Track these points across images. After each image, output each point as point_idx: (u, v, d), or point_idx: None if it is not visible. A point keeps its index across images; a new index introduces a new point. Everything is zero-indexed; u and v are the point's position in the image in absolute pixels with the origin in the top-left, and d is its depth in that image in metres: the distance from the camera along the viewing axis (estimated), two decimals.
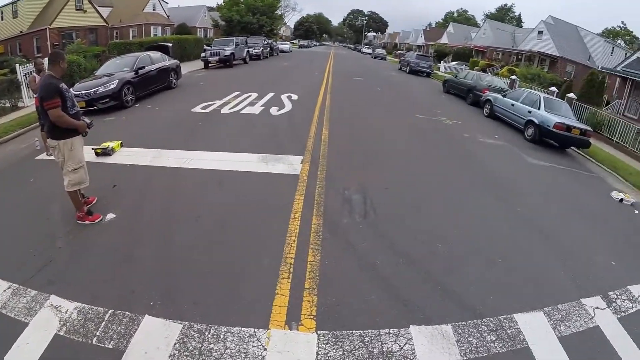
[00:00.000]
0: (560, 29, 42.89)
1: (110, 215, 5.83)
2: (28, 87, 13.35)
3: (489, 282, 5.08)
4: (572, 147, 14.06)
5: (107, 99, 12.32)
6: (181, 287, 4.35)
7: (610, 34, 75.89)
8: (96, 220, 5.65)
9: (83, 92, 11.98)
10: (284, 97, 15.98)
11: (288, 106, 14.24)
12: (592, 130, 14.05)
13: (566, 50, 39.86)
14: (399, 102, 18.74)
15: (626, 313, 4.92)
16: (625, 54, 35.29)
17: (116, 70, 13.86)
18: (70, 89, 5.68)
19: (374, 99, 18.82)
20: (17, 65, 15.78)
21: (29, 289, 4.21)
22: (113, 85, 12.50)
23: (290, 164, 8.28)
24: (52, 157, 5.72)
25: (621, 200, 9.31)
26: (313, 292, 4.40)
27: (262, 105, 14.06)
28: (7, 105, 13.80)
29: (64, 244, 5.07)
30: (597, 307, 4.91)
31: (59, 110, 5.08)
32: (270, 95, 16.18)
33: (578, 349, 4.15)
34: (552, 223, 7.30)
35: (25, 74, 14.22)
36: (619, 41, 69.10)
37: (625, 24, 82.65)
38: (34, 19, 35.47)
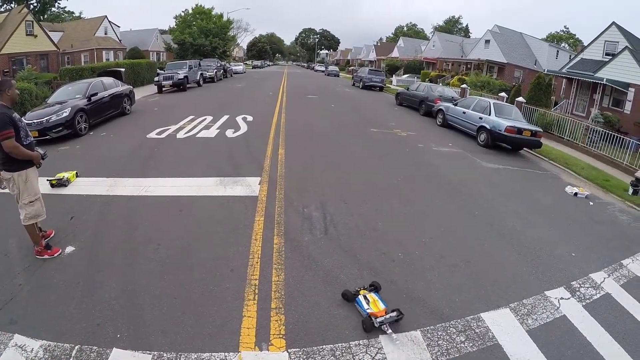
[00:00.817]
0: (506, 36, 45.31)
1: (69, 249, 5.72)
2: None
3: (453, 285, 5.31)
4: (524, 149, 14.83)
5: (60, 128, 12.03)
6: (147, 316, 4.34)
7: (555, 39, 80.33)
8: (55, 254, 5.53)
9: (35, 121, 11.64)
10: (239, 118, 16.09)
11: (243, 128, 14.34)
12: (542, 130, 14.90)
13: (513, 56, 42.18)
14: (354, 118, 19.15)
15: (591, 300, 5.30)
16: (570, 56, 37.57)
17: (68, 97, 13.57)
18: (22, 118, 5.60)
19: (329, 116, 19.15)
20: None
21: None
22: (66, 113, 12.23)
23: (248, 186, 8.36)
24: (6, 190, 5.60)
25: (575, 194, 9.95)
26: (280, 311, 4.48)
27: (217, 128, 14.10)
28: None
29: (24, 281, 4.94)
30: (562, 298, 5.25)
31: (14, 141, 4.98)
32: (226, 117, 16.26)
33: (547, 339, 4.42)
34: (510, 223, 7.69)
35: None
36: (563, 45, 73.08)
37: (567, 28, 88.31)
38: None
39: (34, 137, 6.23)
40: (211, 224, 6.69)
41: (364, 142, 13.59)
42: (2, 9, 45.71)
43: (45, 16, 56.93)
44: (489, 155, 13.15)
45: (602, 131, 15.85)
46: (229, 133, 13.39)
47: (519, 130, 13.66)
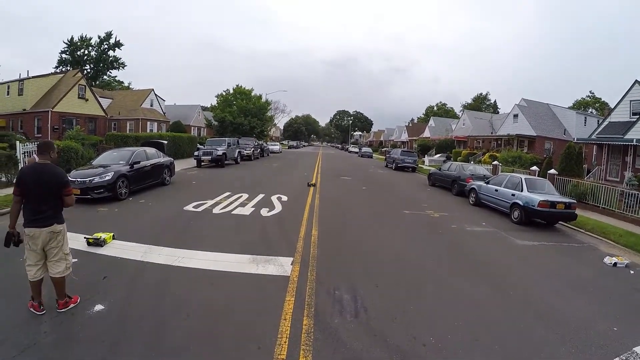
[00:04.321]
0: (534, 109, 45.89)
1: (98, 307, 5.77)
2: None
3: None
4: (559, 222, 14.51)
5: (102, 190, 12.58)
6: None
7: (581, 105, 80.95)
8: (77, 301, 5.79)
9: (79, 179, 12.30)
10: (274, 198, 16.33)
11: (278, 207, 14.49)
12: (576, 202, 14.67)
13: (542, 128, 42.56)
14: (387, 200, 19.20)
15: None
16: (598, 121, 37.50)
17: (112, 162, 14.33)
18: (67, 175, 6.03)
19: (362, 198, 19.20)
20: (17, 142, 16.44)
21: None
22: (108, 177, 12.84)
23: (280, 266, 8.31)
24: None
25: (615, 264, 9.66)
26: None
27: (252, 206, 14.30)
28: (3, 179, 14.11)
29: (50, 329, 5.00)
30: None
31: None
32: (261, 196, 16.54)
33: None
34: (547, 301, 7.39)
35: (25, 152, 14.63)
36: (590, 110, 73.43)
37: (593, 93, 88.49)
38: (38, 99, 37.11)
39: (75, 195, 6.61)
40: (241, 300, 6.62)
41: (396, 225, 13.48)
42: (58, 70, 49.41)
43: (97, 82, 61.27)
44: (523, 233, 12.94)
45: (638, 194, 15.58)
46: (264, 212, 13.53)
47: (553, 204, 13.50)
